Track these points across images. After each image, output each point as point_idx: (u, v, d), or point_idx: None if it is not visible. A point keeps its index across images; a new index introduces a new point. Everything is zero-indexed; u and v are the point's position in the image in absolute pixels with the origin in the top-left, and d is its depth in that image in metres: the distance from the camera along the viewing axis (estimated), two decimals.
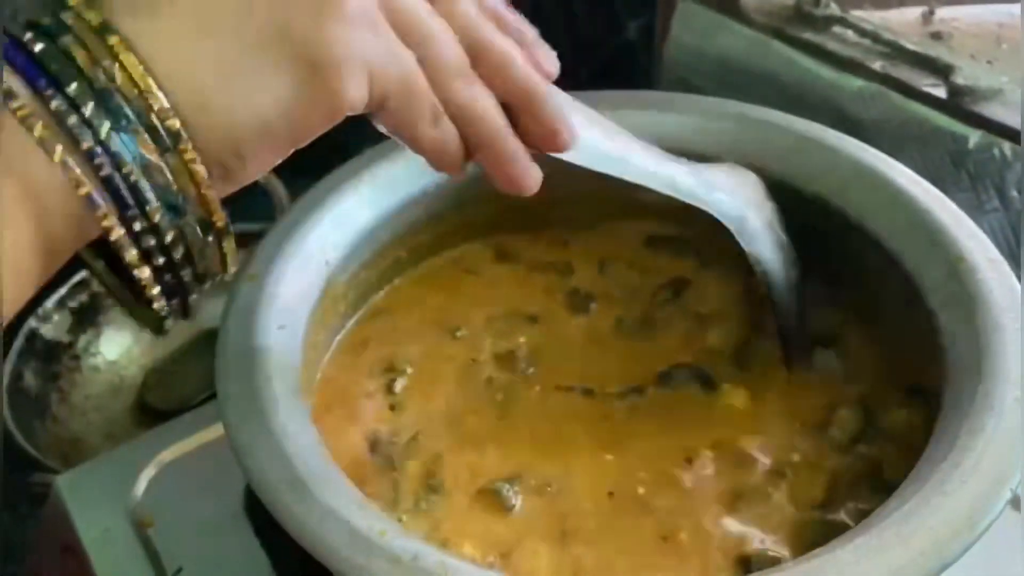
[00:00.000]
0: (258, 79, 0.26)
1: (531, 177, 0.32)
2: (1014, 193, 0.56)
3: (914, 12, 0.65)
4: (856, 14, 0.63)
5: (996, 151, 0.56)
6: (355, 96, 0.27)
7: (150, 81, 0.25)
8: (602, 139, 0.34)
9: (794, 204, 0.43)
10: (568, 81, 0.68)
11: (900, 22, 0.64)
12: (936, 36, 0.64)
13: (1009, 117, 0.56)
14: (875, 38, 0.62)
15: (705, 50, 0.69)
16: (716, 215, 0.39)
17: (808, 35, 0.64)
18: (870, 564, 0.27)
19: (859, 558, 0.27)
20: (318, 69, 0.26)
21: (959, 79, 0.58)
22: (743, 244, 0.39)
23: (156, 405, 0.76)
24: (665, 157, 0.37)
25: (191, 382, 0.75)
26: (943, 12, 0.65)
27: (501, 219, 0.49)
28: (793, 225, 0.44)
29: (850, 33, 0.63)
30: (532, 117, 0.31)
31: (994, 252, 0.37)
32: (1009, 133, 0.56)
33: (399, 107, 0.29)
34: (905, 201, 0.40)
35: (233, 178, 0.27)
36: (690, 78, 0.69)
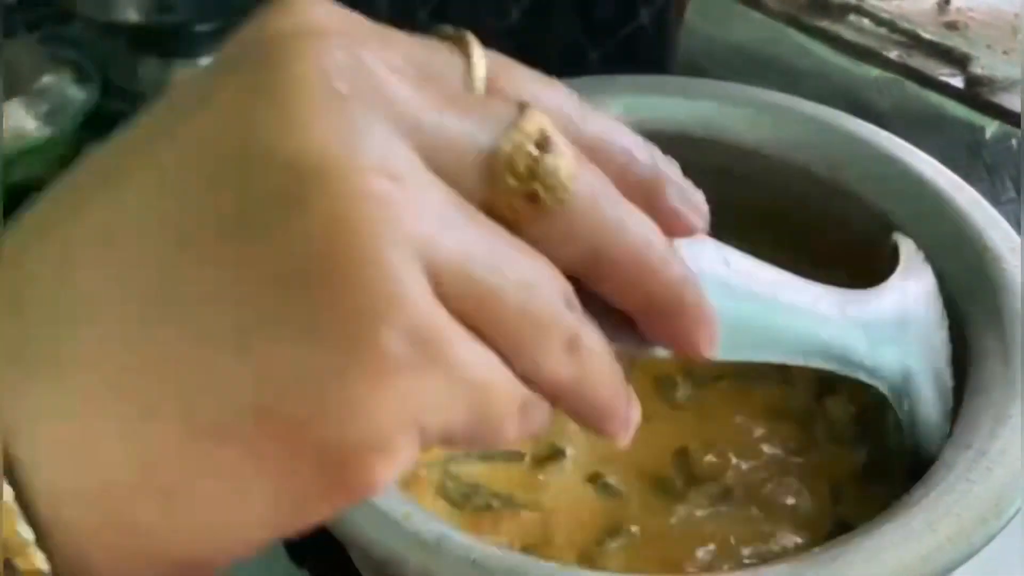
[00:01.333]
0: (229, 487, 0.16)
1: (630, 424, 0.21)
2: None
3: (929, 1, 0.65)
4: (872, 3, 0.63)
5: (1013, 142, 0.56)
6: (394, 474, 0.17)
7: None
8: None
9: (815, 191, 0.43)
10: (578, 65, 0.68)
11: (915, 11, 0.64)
12: (951, 26, 0.63)
13: None
14: (892, 27, 0.61)
15: (719, 37, 0.68)
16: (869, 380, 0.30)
17: (824, 23, 0.63)
18: (897, 551, 0.27)
19: (886, 545, 0.27)
20: (338, 463, 0.17)
21: (977, 69, 0.57)
22: (896, 406, 0.32)
23: None
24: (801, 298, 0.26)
25: None
26: (958, 2, 0.65)
27: None
28: (814, 212, 0.44)
29: (866, 22, 0.62)
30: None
31: (1017, 241, 0.37)
32: None
33: (468, 437, 0.18)
34: (928, 189, 0.39)
35: None
36: (703, 65, 0.69)
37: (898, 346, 0.30)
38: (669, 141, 0.47)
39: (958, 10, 0.64)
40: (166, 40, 0.80)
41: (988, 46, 0.60)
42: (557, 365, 0.18)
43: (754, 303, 0.24)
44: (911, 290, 0.32)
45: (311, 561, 0.41)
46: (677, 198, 0.21)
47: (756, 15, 0.65)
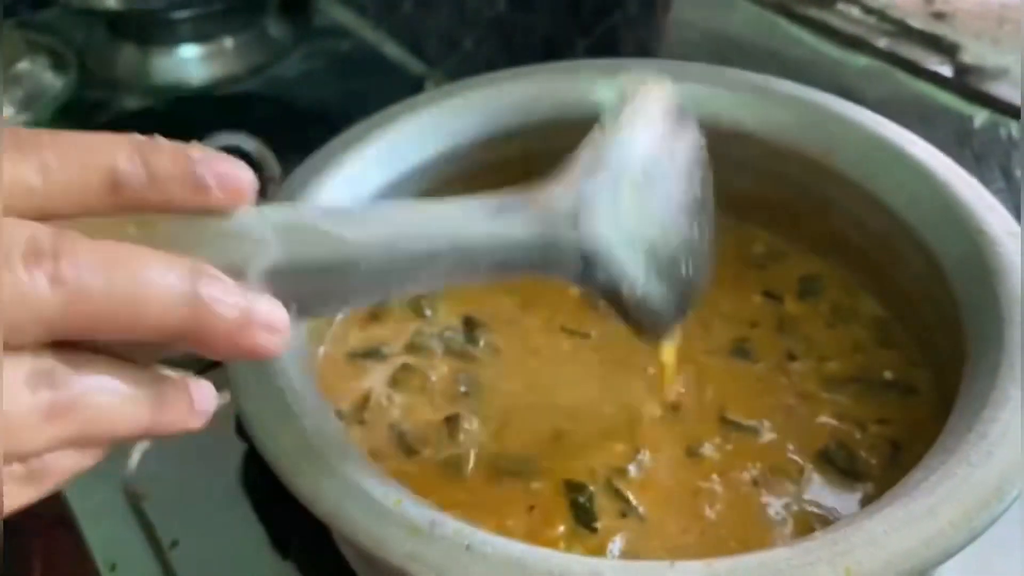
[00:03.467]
0: None
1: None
2: (1019, 173, 0.56)
3: None
4: None
5: (1002, 131, 0.56)
6: None
7: None
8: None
9: (811, 175, 0.43)
10: (564, 56, 0.67)
11: (903, 0, 0.64)
12: (938, 16, 0.63)
13: (1016, 96, 0.55)
14: (881, 16, 0.61)
15: (707, 26, 0.68)
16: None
17: (812, 12, 0.63)
18: (899, 535, 0.26)
19: (888, 529, 0.27)
20: None
21: (965, 58, 0.57)
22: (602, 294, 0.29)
23: None
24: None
25: None
26: None
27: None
28: (810, 197, 0.43)
29: (855, 11, 0.62)
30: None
31: (1013, 225, 0.36)
32: (1016, 112, 0.55)
33: None
34: (923, 173, 0.39)
35: None
36: (691, 54, 0.68)
37: (579, 230, 0.27)
38: None
39: (945, 0, 0.64)
40: (144, 27, 0.79)
41: (976, 35, 0.60)
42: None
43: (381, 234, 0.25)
44: (604, 160, 0.29)
45: (295, 552, 0.40)
46: (211, 177, 0.24)
47: (744, 3, 0.65)
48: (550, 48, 0.79)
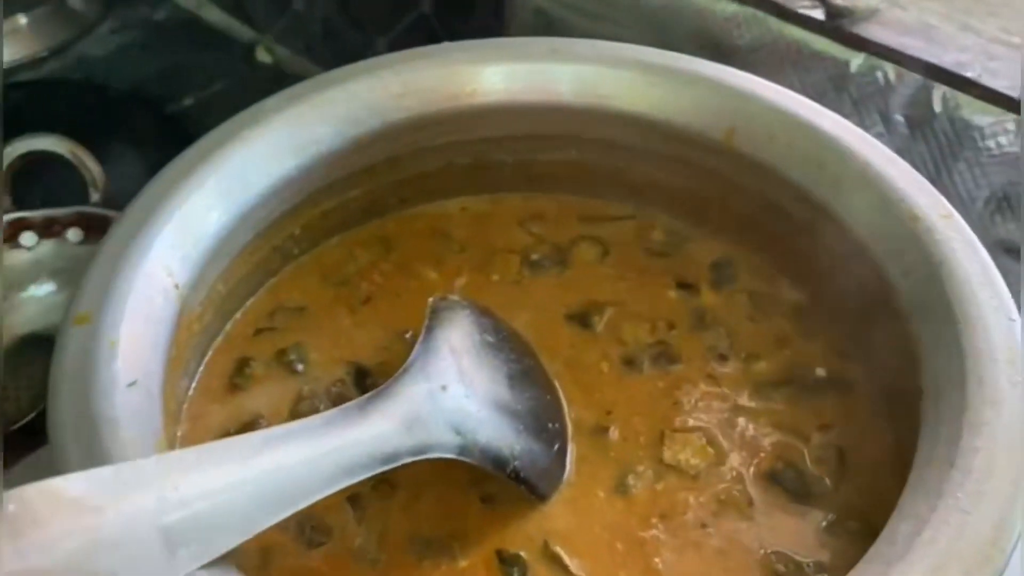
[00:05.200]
0: None
1: None
2: (898, 117, 0.54)
3: None
4: None
5: (879, 74, 0.54)
6: None
7: None
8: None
9: (714, 160, 0.39)
10: (411, 9, 0.59)
11: None
12: None
13: (889, 38, 0.53)
14: None
15: None
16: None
17: None
18: None
19: None
20: None
21: (836, 0, 0.54)
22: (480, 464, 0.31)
23: None
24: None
25: (18, 398, 0.64)
26: None
27: (377, 203, 0.42)
28: (714, 180, 0.39)
29: None
30: None
31: (947, 206, 0.33)
32: (891, 55, 0.53)
33: None
34: (840, 151, 0.36)
35: None
36: (547, 8, 0.63)
37: (433, 419, 0.30)
38: (549, 113, 0.42)
39: None
40: None
41: None
42: None
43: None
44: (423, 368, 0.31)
45: None
46: None
47: None
48: (393, 4, 0.71)
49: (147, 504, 0.23)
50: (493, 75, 0.40)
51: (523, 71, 0.40)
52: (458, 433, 0.30)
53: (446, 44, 0.41)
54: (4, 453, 0.38)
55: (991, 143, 0.51)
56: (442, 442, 0.30)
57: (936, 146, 0.51)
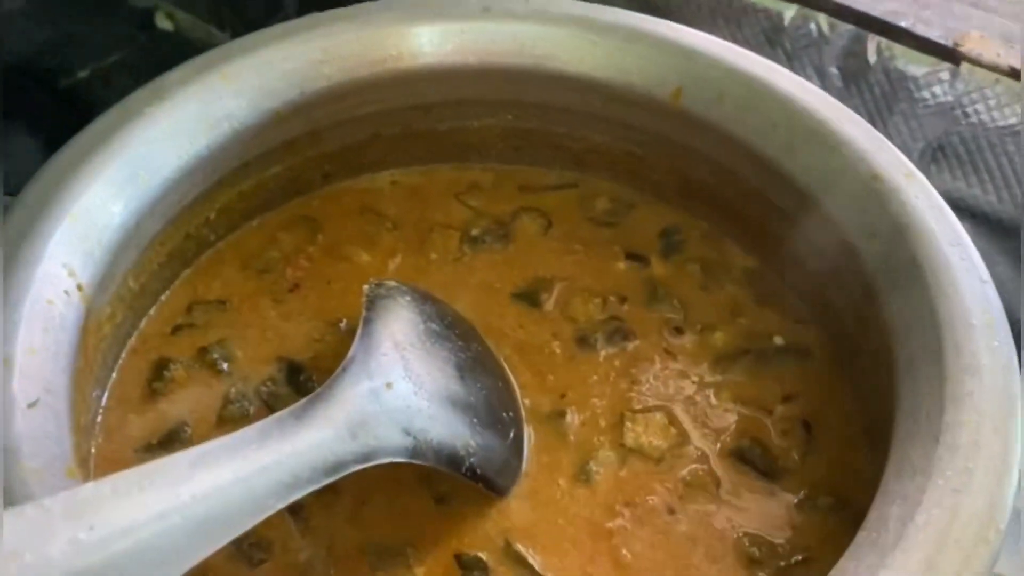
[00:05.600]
0: None
1: None
2: (833, 70, 0.53)
3: None
4: None
5: (812, 26, 0.52)
6: None
7: None
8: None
9: (661, 123, 0.37)
10: None
11: None
12: None
13: None
14: None
15: None
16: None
17: None
18: None
19: None
20: None
21: None
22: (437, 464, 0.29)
23: None
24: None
25: None
26: None
27: (299, 181, 0.39)
28: (659, 144, 0.37)
29: None
30: None
31: (909, 165, 0.32)
32: (824, 5, 0.52)
33: None
34: (794, 110, 0.34)
35: None
36: None
37: (379, 421, 0.27)
38: (483, 77, 0.39)
39: None
40: None
41: None
42: None
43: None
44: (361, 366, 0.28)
45: None
46: None
47: None
48: None
49: (56, 551, 0.20)
50: (421, 37, 0.36)
51: (453, 31, 0.37)
52: (408, 434, 0.28)
53: (367, 3, 0.37)
54: None
55: (926, 93, 0.50)
56: (391, 445, 0.27)
57: (871, 98, 0.50)
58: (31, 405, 0.25)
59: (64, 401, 0.27)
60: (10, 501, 0.23)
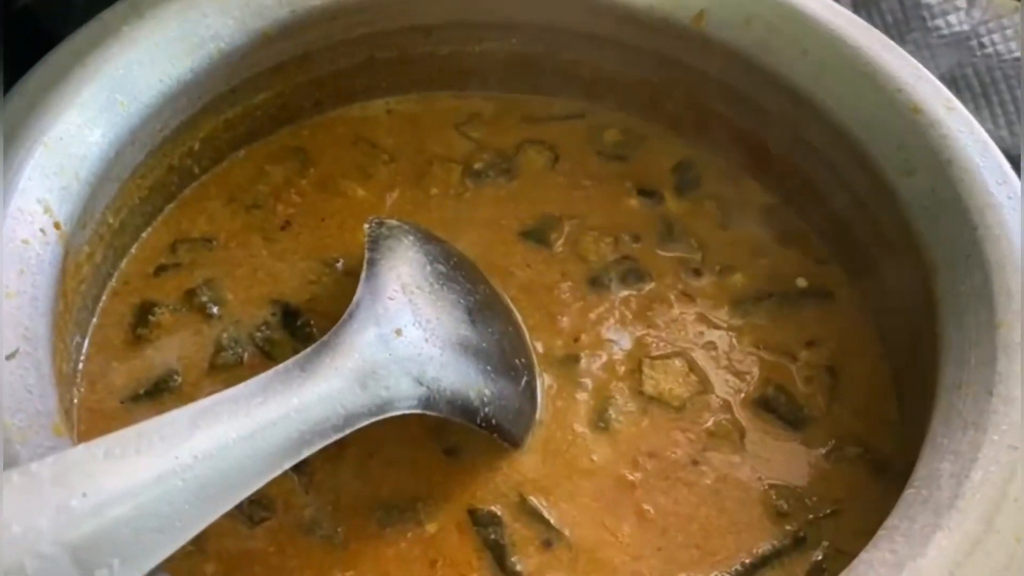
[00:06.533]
0: None
1: None
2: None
3: None
4: None
5: None
6: None
7: None
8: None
9: (677, 45, 0.34)
10: None
11: None
12: None
13: None
14: None
15: None
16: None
17: None
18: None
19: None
20: None
21: None
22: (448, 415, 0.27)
23: None
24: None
25: None
26: None
27: (289, 108, 0.36)
28: (676, 71, 0.35)
29: None
30: None
31: (950, 96, 0.30)
32: None
33: None
34: (827, 35, 0.32)
35: None
36: None
37: (389, 370, 0.25)
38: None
39: None
40: None
41: None
42: None
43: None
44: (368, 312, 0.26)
45: None
46: None
47: None
48: None
49: (47, 521, 0.18)
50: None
51: None
52: (420, 383, 0.26)
53: None
54: None
55: (940, 22, 0.48)
56: (403, 396, 0.25)
57: (883, 27, 0.48)
58: (10, 356, 0.23)
59: (45, 350, 0.24)
60: None
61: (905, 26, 0.48)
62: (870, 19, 0.47)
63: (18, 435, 0.22)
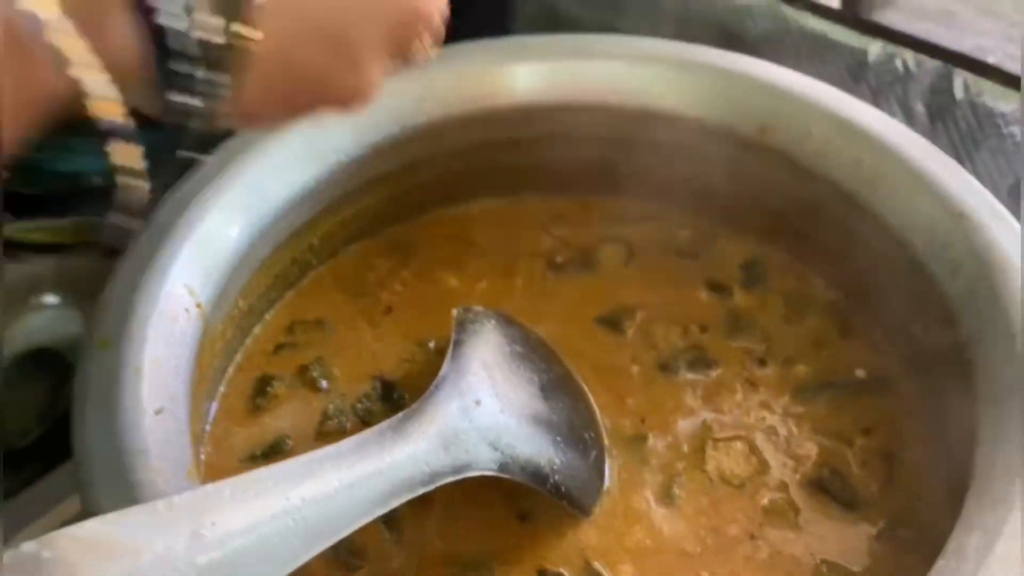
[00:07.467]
0: None
1: None
2: (919, 107, 0.53)
3: None
4: None
5: (898, 62, 0.53)
6: None
7: None
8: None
9: (744, 155, 0.38)
10: None
11: None
12: None
13: (908, 24, 0.52)
14: None
15: None
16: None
17: None
18: None
19: None
20: None
21: None
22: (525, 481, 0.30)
23: None
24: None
25: (21, 414, 0.62)
26: None
27: (395, 209, 0.41)
28: (744, 179, 0.38)
29: None
30: None
31: (994, 202, 0.32)
32: (910, 42, 0.52)
33: None
34: (881, 147, 0.35)
35: None
36: (555, 2, 0.61)
37: (469, 436, 0.29)
38: (574, 113, 0.41)
39: None
40: None
41: None
42: None
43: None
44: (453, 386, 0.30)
45: None
46: None
47: None
48: None
49: (183, 543, 0.22)
50: (515, 76, 0.38)
51: (546, 70, 0.38)
52: (496, 448, 0.29)
53: (464, 44, 0.39)
54: (11, 472, 0.37)
55: (1015, 129, 0.50)
56: (481, 459, 0.29)
57: (958, 134, 0.50)
58: (158, 412, 0.28)
59: (184, 410, 0.29)
60: (142, 498, 0.25)
61: (980, 133, 0.50)
62: (945, 128, 0.50)
63: (161, 476, 0.26)
